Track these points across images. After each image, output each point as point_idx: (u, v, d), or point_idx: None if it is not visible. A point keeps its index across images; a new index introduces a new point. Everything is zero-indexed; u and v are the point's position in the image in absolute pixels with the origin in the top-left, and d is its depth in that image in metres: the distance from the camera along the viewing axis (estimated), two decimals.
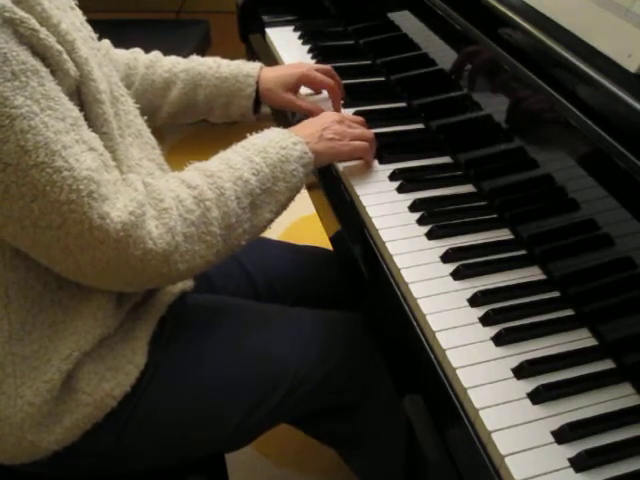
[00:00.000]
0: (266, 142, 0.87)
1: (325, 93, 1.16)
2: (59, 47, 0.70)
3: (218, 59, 1.11)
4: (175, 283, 0.90)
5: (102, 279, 0.76)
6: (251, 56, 1.45)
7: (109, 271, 0.74)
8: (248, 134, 0.91)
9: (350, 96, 1.16)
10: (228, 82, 1.08)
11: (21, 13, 0.66)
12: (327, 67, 1.14)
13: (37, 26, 0.67)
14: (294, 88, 1.12)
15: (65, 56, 0.71)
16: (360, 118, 1.04)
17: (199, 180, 0.80)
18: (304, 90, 1.16)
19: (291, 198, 0.89)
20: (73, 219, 0.69)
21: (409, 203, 0.94)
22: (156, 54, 1.12)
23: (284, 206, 0.88)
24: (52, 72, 0.70)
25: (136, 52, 1.12)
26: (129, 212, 0.72)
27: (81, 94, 0.75)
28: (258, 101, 1.11)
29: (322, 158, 0.93)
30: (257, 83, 1.09)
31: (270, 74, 1.11)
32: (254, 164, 0.84)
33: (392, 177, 0.99)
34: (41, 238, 0.70)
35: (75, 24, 0.77)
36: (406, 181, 0.97)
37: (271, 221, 0.87)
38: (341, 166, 1.02)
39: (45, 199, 0.68)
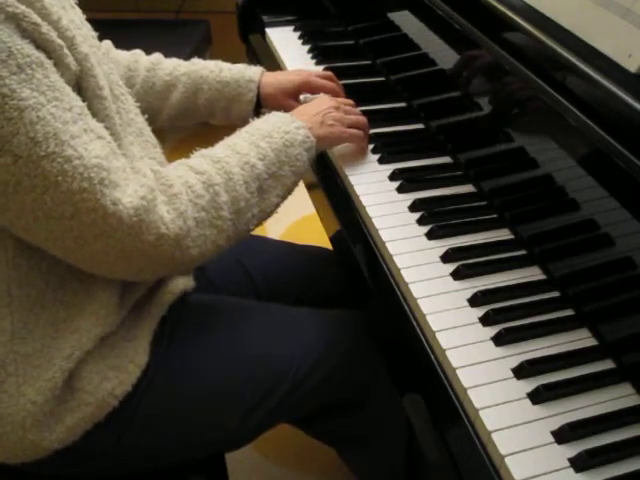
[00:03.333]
0: (270, 127, 0.88)
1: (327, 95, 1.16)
2: (60, 41, 0.70)
3: (220, 63, 1.12)
4: (187, 269, 0.91)
5: (115, 267, 0.76)
6: (251, 56, 1.45)
7: (123, 258, 0.74)
8: (250, 120, 0.92)
9: (350, 96, 1.16)
10: (229, 87, 1.09)
11: (23, 7, 0.67)
12: (328, 73, 1.15)
13: (39, 20, 0.68)
14: (295, 94, 1.12)
15: (66, 50, 0.71)
16: (351, 101, 1.07)
17: (207, 166, 0.81)
18: None
19: (296, 182, 0.90)
20: (86, 207, 0.69)
21: (409, 203, 0.94)
22: (157, 56, 1.12)
23: (290, 190, 0.90)
24: (54, 65, 0.70)
25: (137, 54, 1.12)
26: (140, 197, 0.72)
27: (81, 89, 0.75)
28: (259, 105, 1.11)
29: (323, 143, 0.95)
30: (258, 88, 1.09)
31: (271, 79, 1.11)
32: (260, 149, 0.85)
33: (392, 177, 0.99)
34: (55, 229, 0.71)
35: (75, 22, 0.77)
36: (406, 181, 0.97)
37: (278, 205, 0.88)
38: (341, 165, 1.02)
39: (57, 189, 0.68)
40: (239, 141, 0.86)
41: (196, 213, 0.77)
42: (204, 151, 0.85)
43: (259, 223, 0.87)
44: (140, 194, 0.73)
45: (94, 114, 0.75)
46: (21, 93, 0.65)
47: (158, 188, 0.76)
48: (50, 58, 0.69)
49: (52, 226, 0.70)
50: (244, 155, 0.83)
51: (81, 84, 0.75)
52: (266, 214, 0.87)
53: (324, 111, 0.97)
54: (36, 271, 0.77)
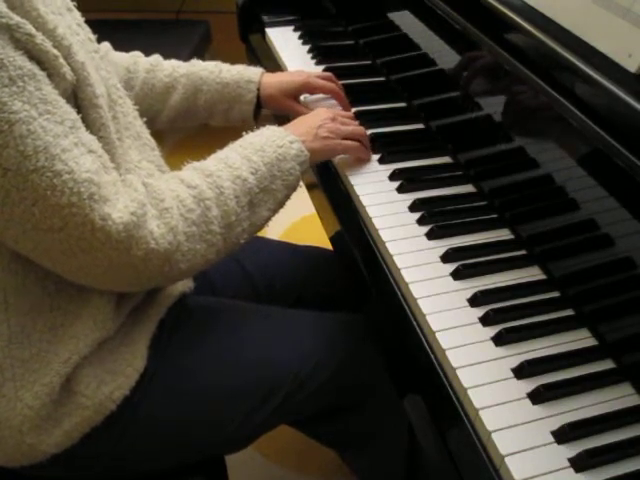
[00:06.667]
0: (263, 141, 0.88)
1: (327, 95, 1.16)
2: (55, 51, 0.69)
3: (219, 64, 1.11)
4: (176, 282, 0.90)
5: (104, 280, 0.76)
6: (251, 56, 1.45)
7: (111, 271, 0.74)
8: (244, 133, 0.91)
9: (350, 96, 1.16)
10: (229, 87, 1.08)
11: (17, 18, 0.66)
12: (328, 74, 1.15)
13: (33, 31, 0.67)
14: (295, 95, 1.12)
15: (61, 60, 0.70)
16: (350, 113, 1.06)
17: (198, 180, 0.80)
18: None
19: (288, 196, 0.90)
20: (75, 222, 0.69)
21: (409, 203, 0.94)
22: (156, 58, 1.12)
23: (281, 204, 0.89)
24: (48, 76, 0.69)
25: (136, 56, 1.12)
26: (130, 212, 0.72)
27: (77, 98, 0.74)
28: (259, 106, 1.11)
29: (317, 156, 0.94)
30: (258, 89, 1.09)
31: (271, 80, 1.11)
32: (252, 163, 0.84)
33: (392, 177, 0.99)
34: (42, 241, 0.70)
35: (72, 27, 0.76)
36: (406, 181, 0.97)
37: (269, 219, 0.88)
38: (341, 165, 1.02)
39: (46, 203, 0.68)
40: (232, 154, 0.85)
41: (187, 228, 0.77)
42: (196, 164, 0.84)
43: (250, 236, 0.86)
44: (130, 209, 0.72)
45: (90, 123, 0.75)
46: (12, 106, 0.65)
47: (149, 202, 0.75)
48: (45, 69, 0.69)
49: (40, 238, 0.70)
50: (236, 169, 0.83)
51: (77, 93, 0.74)
52: (257, 227, 0.86)
53: (319, 123, 0.96)
54: (32, 277, 0.77)
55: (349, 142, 0.99)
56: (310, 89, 1.13)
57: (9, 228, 0.70)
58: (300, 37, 1.38)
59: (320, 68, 1.26)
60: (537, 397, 0.70)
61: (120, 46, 1.11)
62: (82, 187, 0.69)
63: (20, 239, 0.71)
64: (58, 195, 0.68)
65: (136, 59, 1.10)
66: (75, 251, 0.71)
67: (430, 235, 0.89)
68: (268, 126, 0.92)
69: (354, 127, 1.01)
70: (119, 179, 0.76)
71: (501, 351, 0.75)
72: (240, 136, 0.91)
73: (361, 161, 1.02)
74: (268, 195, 0.86)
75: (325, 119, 0.97)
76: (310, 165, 0.93)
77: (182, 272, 0.79)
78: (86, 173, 0.69)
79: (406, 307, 0.82)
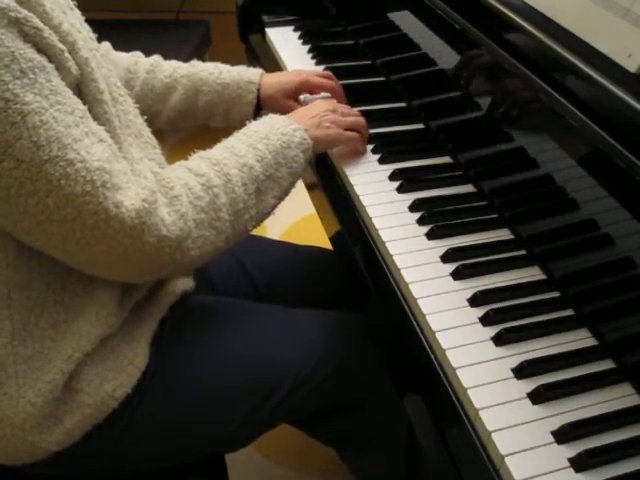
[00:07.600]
0: (267, 129, 0.89)
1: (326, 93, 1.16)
2: (61, 46, 0.70)
3: (219, 65, 1.12)
4: (187, 271, 0.91)
5: (116, 269, 0.77)
6: (251, 56, 1.45)
7: (124, 260, 0.75)
8: (247, 122, 0.92)
9: (350, 96, 1.16)
10: (229, 89, 1.09)
11: (25, 12, 0.67)
12: (327, 72, 1.16)
13: (40, 25, 0.68)
14: (294, 95, 1.12)
15: (67, 55, 0.71)
16: (349, 107, 1.07)
17: (205, 168, 0.81)
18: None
19: (293, 184, 0.91)
20: (89, 210, 0.70)
21: (409, 203, 0.94)
22: (157, 58, 1.12)
23: (286, 192, 0.90)
24: (55, 69, 0.70)
25: (136, 56, 1.12)
26: (142, 199, 0.73)
27: (82, 94, 0.75)
28: (258, 107, 1.11)
29: (319, 145, 0.96)
30: (258, 90, 1.09)
31: (271, 81, 1.11)
32: (257, 151, 0.85)
33: (392, 177, 0.99)
34: (57, 232, 0.71)
35: (75, 25, 0.77)
36: (406, 181, 0.97)
37: (275, 206, 0.89)
38: (340, 164, 1.02)
39: (60, 193, 0.68)
40: (237, 143, 0.86)
41: (196, 215, 0.78)
42: (202, 153, 0.85)
43: (257, 224, 0.87)
44: (142, 196, 0.73)
45: (94, 118, 0.75)
46: (24, 97, 0.65)
47: (159, 190, 0.76)
48: (51, 62, 0.70)
49: (54, 229, 0.70)
50: (242, 157, 0.84)
51: (81, 88, 0.75)
52: (263, 215, 0.87)
53: (321, 113, 0.97)
54: (36, 273, 0.77)
55: (350, 133, 1.00)
56: (309, 87, 1.13)
57: (23, 220, 0.70)
58: (300, 37, 1.38)
59: (320, 68, 1.26)
60: (537, 397, 0.70)
61: (120, 46, 1.12)
62: (95, 175, 0.69)
63: (33, 231, 0.71)
64: (72, 184, 0.68)
65: (136, 59, 1.11)
66: (89, 240, 0.71)
67: (430, 235, 0.89)
68: (271, 115, 0.93)
69: (354, 118, 1.02)
70: (129, 168, 0.76)
71: (501, 351, 0.75)
72: None
73: (357, 153, 1.03)
74: (274, 182, 0.87)
75: (327, 110, 0.98)
76: (313, 152, 0.94)
77: (193, 259, 0.79)
78: (98, 162, 0.70)
79: (406, 307, 0.82)
